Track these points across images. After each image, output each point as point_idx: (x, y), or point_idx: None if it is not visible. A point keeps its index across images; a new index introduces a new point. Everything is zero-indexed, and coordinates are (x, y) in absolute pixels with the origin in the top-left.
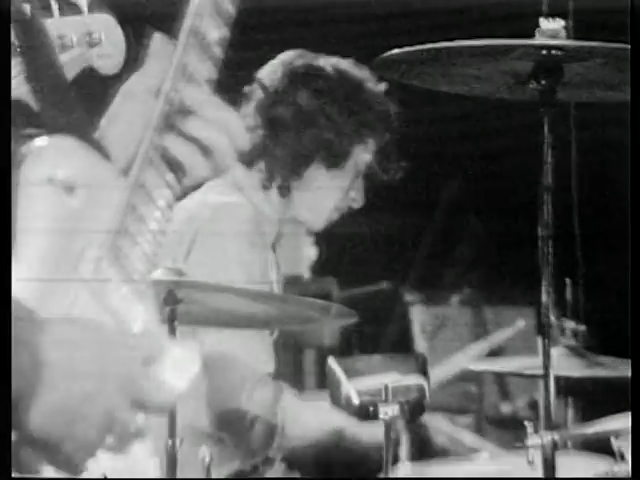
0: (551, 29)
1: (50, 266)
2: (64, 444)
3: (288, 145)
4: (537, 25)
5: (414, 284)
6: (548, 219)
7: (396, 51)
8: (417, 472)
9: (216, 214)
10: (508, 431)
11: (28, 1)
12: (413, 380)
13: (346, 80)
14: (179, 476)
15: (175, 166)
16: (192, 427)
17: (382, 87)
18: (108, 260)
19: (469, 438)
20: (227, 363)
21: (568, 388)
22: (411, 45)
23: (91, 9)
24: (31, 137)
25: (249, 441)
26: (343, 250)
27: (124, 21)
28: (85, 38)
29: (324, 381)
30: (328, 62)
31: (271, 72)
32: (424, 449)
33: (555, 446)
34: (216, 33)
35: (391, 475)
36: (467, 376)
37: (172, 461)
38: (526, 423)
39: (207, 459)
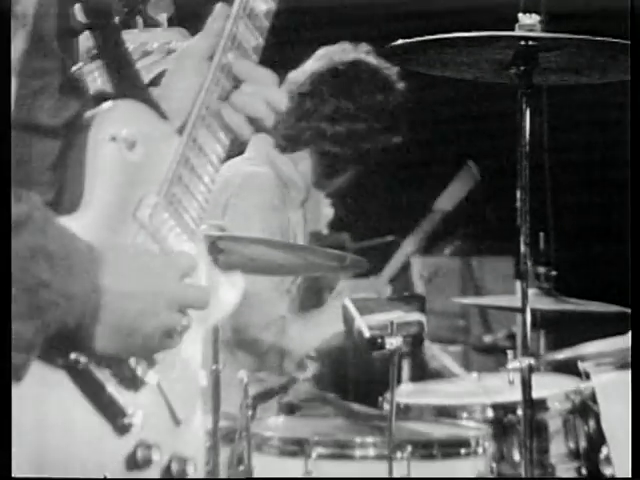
0: (528, 23)
1: (113, 212)
2: (126, 356)
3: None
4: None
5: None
6: (525, 183)
7: (401, 41)
8: (417, 389)
9: (245, 182)
10: (490, 357)
11: (117, 14)
12: (414, 317)
13: (365, 66)
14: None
15: (225, 127)
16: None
17: (395, 71)
18: (163, 205)
19: (457, 368)
20: (252, 301)
21: (541, 321)
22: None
23: (170, 24)
24: (97, 102)
25: (265, 363)
26: (355, 210)
27: None
28: (164, 47)
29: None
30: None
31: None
32: (422, 372)
33: (531, 369)
34: (264, 6)
35: (396, 395)
36: (457, 312)
37: (216, 382)
38: (508, 351)
39: (245, 380)
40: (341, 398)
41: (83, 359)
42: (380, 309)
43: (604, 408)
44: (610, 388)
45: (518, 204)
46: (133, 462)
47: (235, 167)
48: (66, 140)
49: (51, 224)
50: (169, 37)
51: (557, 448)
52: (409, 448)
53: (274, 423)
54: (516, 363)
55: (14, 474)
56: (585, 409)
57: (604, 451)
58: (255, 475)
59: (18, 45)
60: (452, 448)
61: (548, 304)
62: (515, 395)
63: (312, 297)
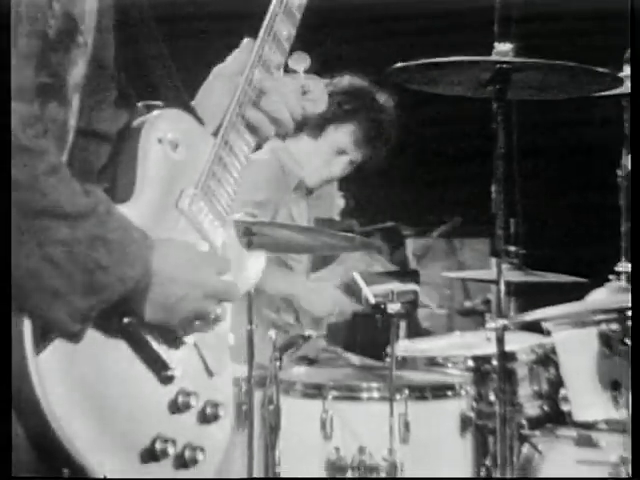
0: (502, 50)
1: (159, 201)
2: (169, 325)
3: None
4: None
5: (409, 223)
6: (500, 178)
7: (399, 64)
8: (412, 345)
9: (249, 165)
10: (471, 319)
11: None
12: (410, 287)
13: (357, 90)
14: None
15: (251, 129)
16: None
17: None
18: (200, 196)
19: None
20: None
21: (511, 290)
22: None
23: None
24: (148, 109)
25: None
26: (361, 200)
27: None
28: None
29: None
30: (344, 80)
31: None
32: (416, 331)
33: (504, 328)
34: (285, 31)
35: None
36: (444, 283)
37: (250, 339)
38: (485, 314)
39: (274, 337)
40: (350, 352)
41: (134, 323)
42: (382, 281)
43: (562, 358)
44: (567, 342)
45: (493, 196)
46: (175, 407)
47: None
48: (120, 143)
49: (112, 215)
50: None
51: (524, 390)
52: (406, 391)
53: (297, 372)
54: (492, 324)
55: (76, 423)
56: (547, 359)
57: (562, 392)
58: (282, 413)
59: (80, 70)
60: (440, 391)
61: (517, 276)
62: (491, 349)
63: (319, 264)
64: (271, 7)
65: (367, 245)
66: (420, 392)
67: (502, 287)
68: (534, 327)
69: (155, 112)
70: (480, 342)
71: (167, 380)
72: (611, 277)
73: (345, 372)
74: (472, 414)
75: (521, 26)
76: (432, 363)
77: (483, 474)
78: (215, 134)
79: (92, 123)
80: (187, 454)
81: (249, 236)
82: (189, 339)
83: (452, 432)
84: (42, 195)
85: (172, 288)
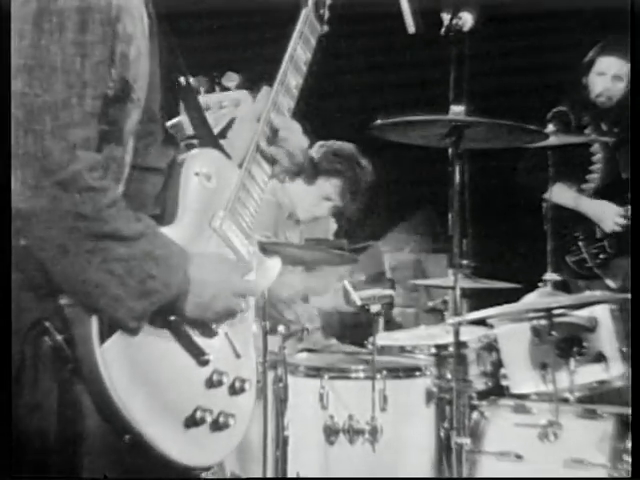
0: (456, 111)
1: (196, 222)
2: (205, 319)
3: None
4: None
5: (387, 242)
6: (455, 209)
7: (379, 122)
8: (388, 336)
9: None
10: (433, 316)
11: (202, 86)
12: (387, 292)
13: (345, 154)
14: (269, 339)
15: (268, 160)
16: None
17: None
18: (229, 217)
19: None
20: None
21: (464, 294)
22: None
23: (237, 88)
24: (188, 148)
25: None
26: (350, 225)
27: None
28: (233, 104)
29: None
30: (337, 145)
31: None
32: (391, 325)
33: (459, 324)
34: (294, 81)
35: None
36: (413, 288)
37: (265, 332)
38: (444, 313)
39: (282, 331)
40: (341, 342)
41: (178, 320)
42: (366, 287)
43: (502, 346)
44: (506, 334)
45: (450, 222)
46: (210, 383)
47: None
48: (168, 175)
49: (158, 236)
50: (237, 96)
51: (473, 370)
52: (384, 372)
53: (300, 357)
54: (450, 320)
55: (131, 394)
56: (490, 347)
57: (502, 371)
58: (289, 389)
59: (133, 119)
60: (410, 371)
61: (469, 283)
62: (448, 339)
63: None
64: (283, 63)
65: (353, 259)
66: (395, 372)
67: (457, 292)
68: (481, 322)
69: (193, 151)
70: (440, 334)
71: (203, 363)
72: (540, 284)
73: (338, 357)
74: (434, 389)
75: (470, 93)
76: (404, 350)
77: (442, 434)
78: (240, 165)
79: (144, 160)
80: (221, 420)
81: (266, 251)
82: (220, 329)
83: (419, 403)
84: (105, 223)
85: (206, 290)
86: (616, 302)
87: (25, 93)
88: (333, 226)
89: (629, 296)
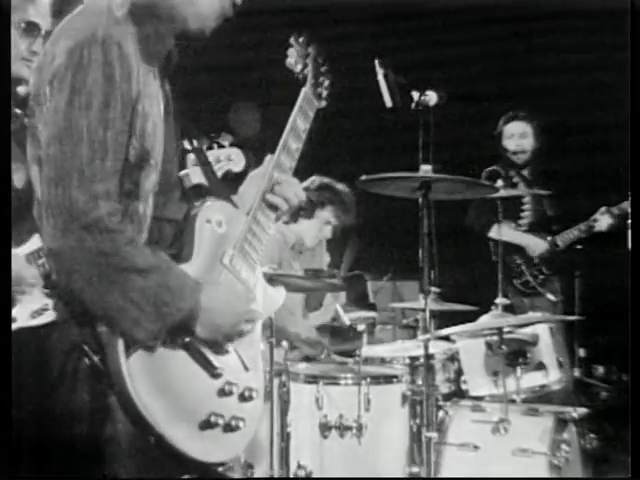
0: (425, 169)
1: (209, 261)
2: (216, 339)
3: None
4: None
5: (370, 272)
6: (425, 247)
7: (364, 177)
8: (371, 349)
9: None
10: (407, 332)
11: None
12: (370, 314)
13: (325, 186)
14: (275, 352)
15: (272, 208)
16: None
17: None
18: (237, 255)
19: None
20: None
21: (432, 314)
22: None
23: (231, 146)
24: (203, 199)
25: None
26: (340, 258)
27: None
28: (228, 159)
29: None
30: (315, 181)
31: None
32: (374, 341)
33: (428, 339)
34: (295, 145)
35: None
36: (390, 310)
37: (272, 347)
38: (416, 329)
39: (286, 346)
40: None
41: (192, 340)
42: (353, 310)
43: (462, 357)
44: (465, 347)
45: (420, 256)
46: (223, 393)
47: None
48: (184, 224)
49: (173, 270)
50: (230, 152)
51: (439, 377)
52: (368, 379)
53: (300, 366)
54: (421, 336)
55: (151, 402)
56: (453, 358)
57: (462, 378)
58: (291, 393)
59: (152, 180)
60: (389, 378)
61: (436, 306)
62: (420, 351)
63: (313, 302)
64: (285, 131)
65: (343, 287)
66: (377, 379)
67: (427, 313)
68: (446, 338)
69: (207, 203)
70: (413, 347)
71: (216, 376)
72: (492, 307)
73: (331, 367)
74: (408, 392)
75: (436, 154)
76: (384, 361)
77: (415, 429)
78: (247, 213)
79: (162, 212)
80: (233, 423)
81: (271, 281)
82: (231, 347)
83: (396, 404)
84: (123, 259)
85: (216, 315)
86: (553, 321)
87: (57, 156)
88: (327, 258)
89: (564, 317)
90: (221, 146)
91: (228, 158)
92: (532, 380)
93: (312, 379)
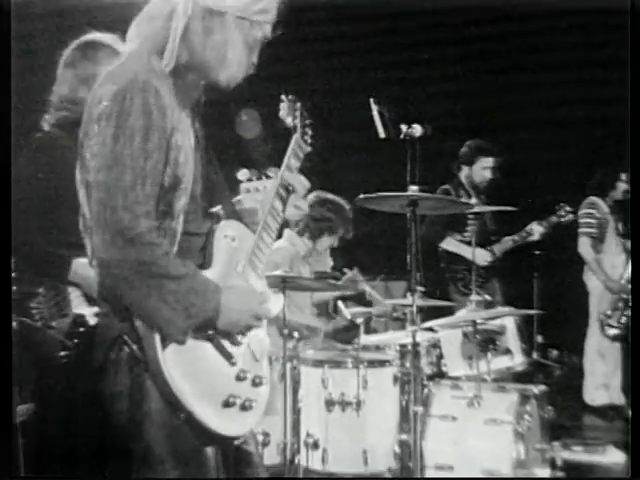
0: (413, 189)
1: (225, 269)
2: (233, 332)
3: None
4: None
5: (366, 273)
6: (412, 256)
7: (362, 196)
8: (368, 338)
9: (275, 250)
10: (398, 323)
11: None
12: (367, 310)
13: (335, 204)
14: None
15: (280, 218)
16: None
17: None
18: (249, 264)
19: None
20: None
21: (419, 309)
22: None
23: (248, 181)
24: (218, 220)
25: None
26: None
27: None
28: (246, 192)
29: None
30: (328, 196)
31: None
32: (370, 331)
33: (415, 330)
34: (298, 164)
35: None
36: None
37: (285, 337)
38: (406, 322)
39: (297, 336)
40: (336, 342)
41: (214, 334)
42: (352, 306)
43: (443, 344)
44: (446, 336)
45: (409, 261)
46: (238, 378)
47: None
48: (207, 238)
49: (199, 277)
50: (247, 187)
51: (424, 361)
52: (365, 363)
53: (309, 353)
54: (409, 327)
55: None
56: (435, 345)
57: (443, 361)
58: (302, 376)
59: (183, 201)
60: (383, 362)
61: (422, 302)
62: (408, 340)
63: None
64: (281, 167)
65: (344, 288)
66: (372, 363)
67: (414, 308)
68: (429, 329)
69: (222, 222)
70: (403, 336)
71: (233, 364)
72: (468, 303)
73: (334, 353)
74: (399, 374)
75: (422, 175)
76: (378, 347)
77: (404, 404)
78: (254, 232)
79: (190, 228)
80: (247, 404)
81: (284, 283)
82: (244, 340)
83: (388, 383)
84: (159, 267)
85: (233, 313)
86: (517, 315)
87: (105, 182)
88: (330, 262)
89: (526, 311)
90: (268, 177)
91: (246, 192)
92: (500, 363)
93: (319, 363)
